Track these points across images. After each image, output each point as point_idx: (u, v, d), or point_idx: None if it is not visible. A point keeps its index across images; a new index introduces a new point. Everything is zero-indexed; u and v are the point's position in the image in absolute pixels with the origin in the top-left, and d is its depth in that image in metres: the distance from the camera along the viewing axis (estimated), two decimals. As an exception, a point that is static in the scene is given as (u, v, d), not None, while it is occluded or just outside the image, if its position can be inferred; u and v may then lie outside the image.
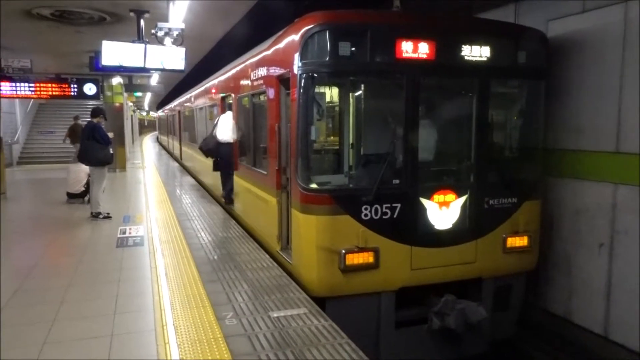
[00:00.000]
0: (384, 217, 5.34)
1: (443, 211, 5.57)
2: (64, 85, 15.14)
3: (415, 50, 5.29)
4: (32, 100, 22.32)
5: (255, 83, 7.35)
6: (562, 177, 6.53)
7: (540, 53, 6.05)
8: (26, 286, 5.51)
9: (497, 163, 6.02)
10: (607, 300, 6.00)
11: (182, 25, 8.05)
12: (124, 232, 7.93)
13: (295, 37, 5.36)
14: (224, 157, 9.26)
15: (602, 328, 6.06)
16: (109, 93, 17.35)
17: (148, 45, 8.22)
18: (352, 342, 4.03)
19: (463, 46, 5.51)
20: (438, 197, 5.54)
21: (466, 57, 5.54)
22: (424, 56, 5.34)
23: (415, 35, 5.29)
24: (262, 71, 6.89)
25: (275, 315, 4.57)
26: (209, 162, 12.19)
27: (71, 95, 15.32)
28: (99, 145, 8.81)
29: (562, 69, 6.44)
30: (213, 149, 9.34)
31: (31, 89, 14.75)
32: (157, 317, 4.56)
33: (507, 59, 5.81)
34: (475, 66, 5.60)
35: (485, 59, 5.62)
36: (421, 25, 5.53)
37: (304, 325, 4.36)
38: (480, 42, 5.57)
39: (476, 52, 5.58)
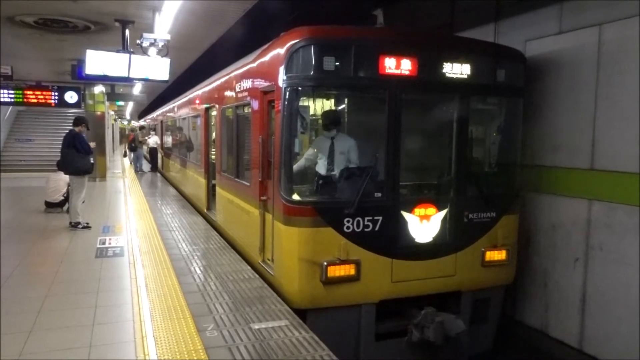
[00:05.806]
0: (366, 229, 5.40)
1: (424, 224, 5.65)
2: (44, 93, 14.98)
3: (397, 66, 5.40)
4: (11, 106, 22.00)
5: (239, 95, 7.38)
6: (539, 193, 6.68)
7: (519, 72, 6.22)
8: (2, 295, 5.40)
9: (476, 178, 6.13)
10: (582, 314, 6.13)
11: (168, 37, 8.06)
12: (104, 243, 7.84)
13: (280, 51, 5.43)
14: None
15: (577, 341, 6.18)
16: (90, 102, 17.17)
17: (133, 56, 8.20)
18: (332, 354, 4.06)
19: (444, 63, 5.64)
20: (419, 210, 5.62)
21: (447, 74, 5.67)
22: (407, 72, 5.44)
23: (398, 52, 5.41)
24: (247, 83, 6.93)
25: (256, 327, 4.57)
26: (190, 173, 12.27)
27: (52, 103, 15.17)
28: (78, 154, 8.73)
29: (540, 87, 6.63)
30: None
31: (11, 96, 14.57)
32: (137, 328, 4.52)
33: (487, 76, 5.95)
34: (456, 83, 5.72)
35: (465, 76, 5.75)
36: (404, 42, 5.64)
37: (284, 337, 4.38)
38: (461, 60, 5.70)
39: (457, 70, 5.70)
